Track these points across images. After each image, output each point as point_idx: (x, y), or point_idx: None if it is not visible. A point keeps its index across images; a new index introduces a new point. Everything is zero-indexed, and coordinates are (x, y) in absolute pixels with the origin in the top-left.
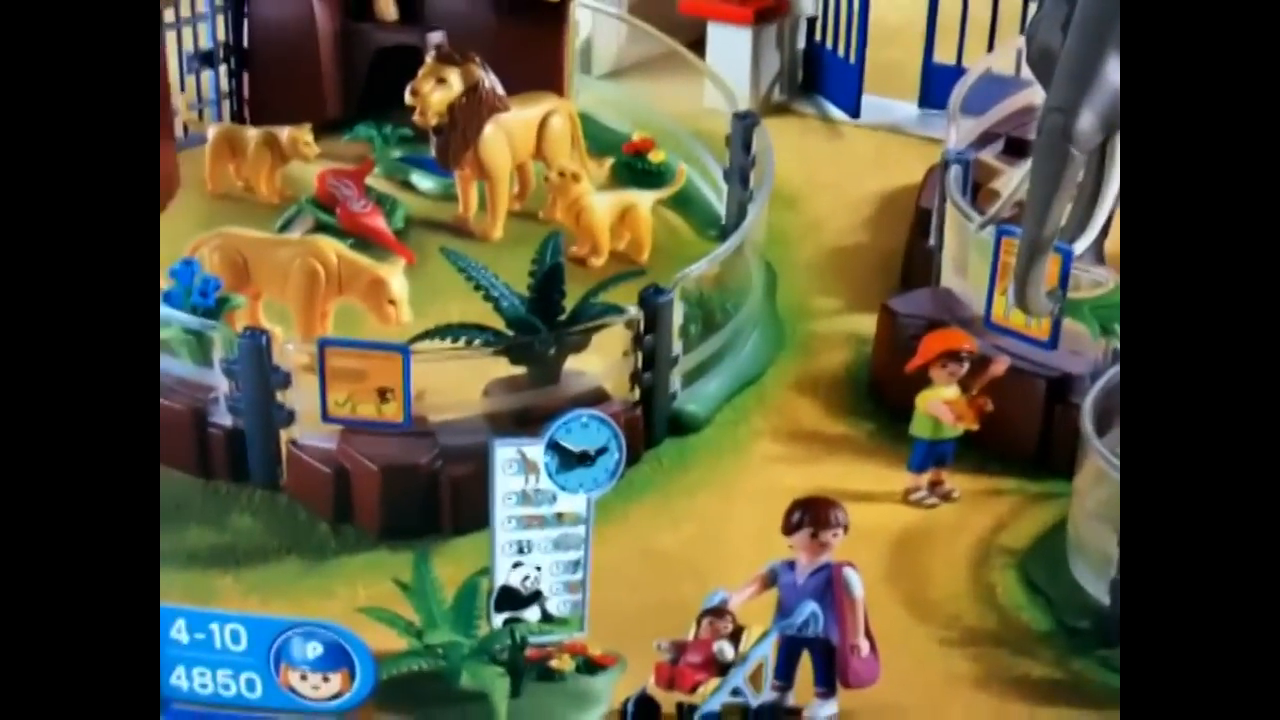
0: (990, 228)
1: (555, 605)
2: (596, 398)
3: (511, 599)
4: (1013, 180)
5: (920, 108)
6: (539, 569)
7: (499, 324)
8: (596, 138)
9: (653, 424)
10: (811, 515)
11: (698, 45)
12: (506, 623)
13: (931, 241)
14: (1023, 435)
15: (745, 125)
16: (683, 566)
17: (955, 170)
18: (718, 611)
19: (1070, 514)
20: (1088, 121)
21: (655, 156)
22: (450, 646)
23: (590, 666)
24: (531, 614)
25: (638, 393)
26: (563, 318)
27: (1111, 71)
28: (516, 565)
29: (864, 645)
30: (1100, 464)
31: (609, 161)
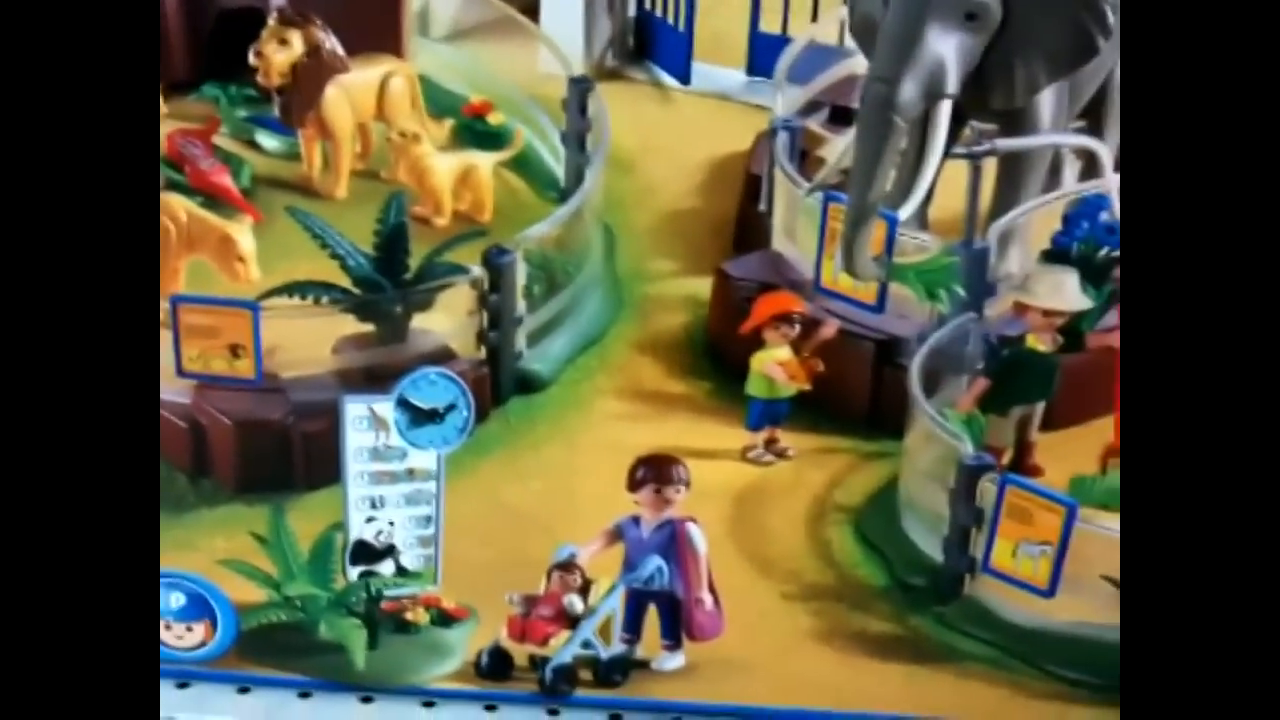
0: (817, 194)
1: (409, 559)
2: (444, 356)
3: (366, 553)
4: (838, 147)
5: (748, 75)
6: (392, 523)
7: (346, 282)
8: (436, 100)
9: (499, 382)
10: (654, 472)
11: (532, 11)
12: (362, 576)
13: (762, 206)
14: (854, 395)
15: (580, 90)
16: (532, 521)
17: (783, 137)
18: (567, 566)
19: (901, 473)
20: (909, 91)
21: (494, 119)
22: (308, 599)
23: (444, 619)
24: (386, 568)
25: (484, 351)
26: (408, 276)
27: (932, 42)
28: (370, 520)
29: (708, 599)
30: (929, 425)
31: (449, 123)
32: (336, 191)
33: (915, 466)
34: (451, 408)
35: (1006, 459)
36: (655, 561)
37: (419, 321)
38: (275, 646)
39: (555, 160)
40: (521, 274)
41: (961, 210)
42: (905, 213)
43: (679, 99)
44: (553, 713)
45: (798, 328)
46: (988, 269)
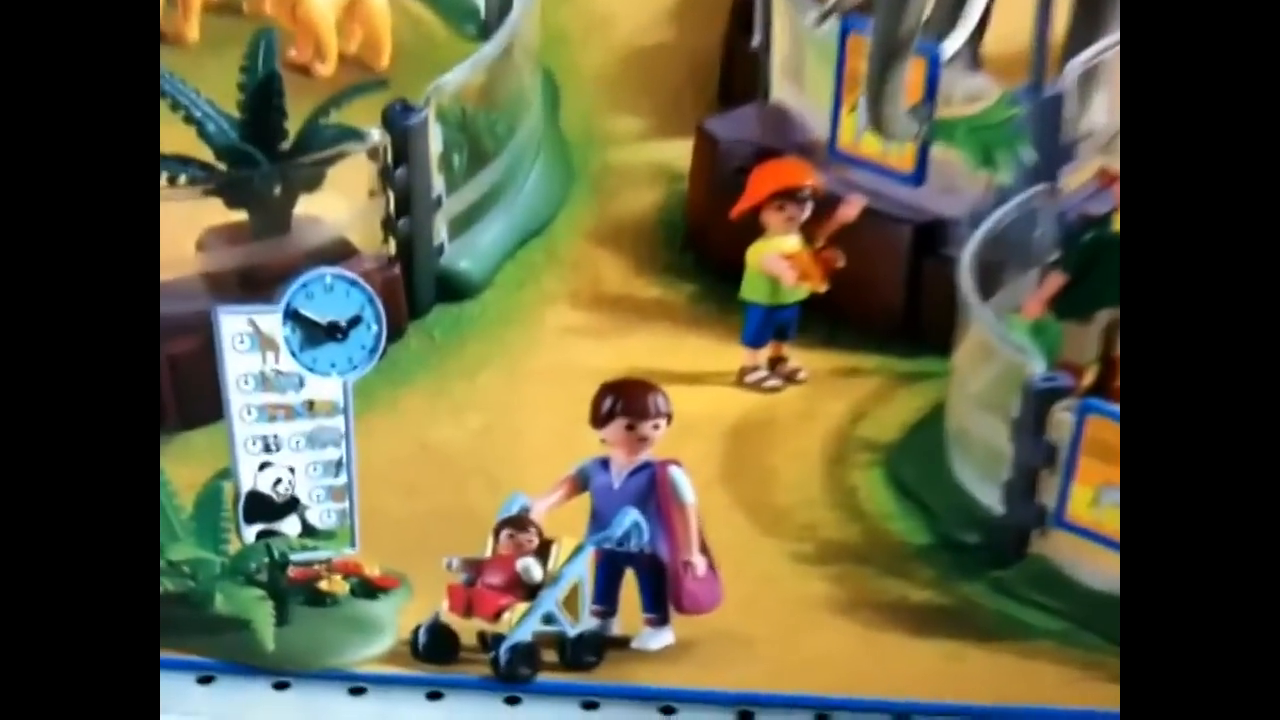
0: (832, 20)
1: (317, 515)
2: (340, 252)
3: (263, 507)
4: None
5: None
6: (292, 471)
7: (208, 155)
8: None
9: (416, 285)
10: (626, 403)
11: None
12: (261, 537)
13: (755, 41)
14: (885, 297)
15: None
16: (469, 466)
17: None
18: (518, 521)
19: (948, 400)
20: None
21: None
22: (197, 564)
23: (368, 589)
24: (289, 526)
25: (393, 245)
26: (286, 145)
27: None
28: (264, 466)
29: (700, 562)
30: (985, 335)
31: None
32: (188, 33)
33: (966, 391)
34: (356, 320)
35: (1088, 380)
36: (631, 515)
37: (305, 206)
38: (164, 623)
39: None
40: (436, 139)
41: (1028, 42)
42: (951, 46)
43: None
44: (512, 701)
45: (809, 207)
46: (1063, 123)
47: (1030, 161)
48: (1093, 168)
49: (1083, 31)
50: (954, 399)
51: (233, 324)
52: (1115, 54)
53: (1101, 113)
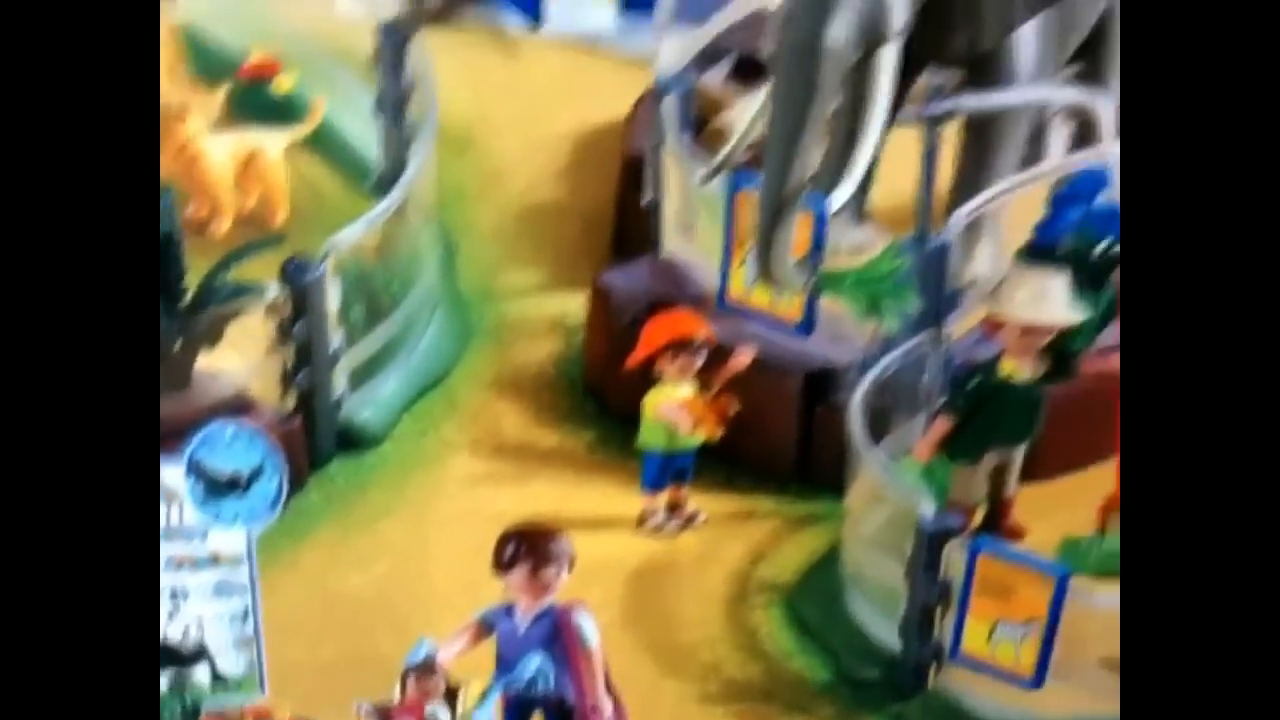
0: (720, 178)
1: (226, 663)
2: (241, 405)
3: (173, 656)
4: (746, 113)
5: (621, 13)
6: (200, 619)
7: None
8: (204, 59)
9: (316, 437)
10: (528, 548)
11: None
12: (172, 685)
13: (647, 197)
14: (778, 443)
15: (394, 41)
16: (375, 612)
17: (670, 100)
18: (425, 667)
19: (843, 540)
20: (841, 28)
21: (281, 83)
22: None
23: None
24: (200, 673)
25: (293, 398)
26: (185, 302)
27: None
28: (172, 615)
29: (606, 705)
30: (876, 478)
31: (223, 91)
32: None
33: (860, 532)
34: (258, 473)
35: (978, 519)
36: (536, 660)
37: (205, 361)
38: None
39: (367, 138)
40: (334, 294)
41: (912, 194)
42: (838, 200)
43: (529, 49)
44: None
45: (701, 357)
46: (948, 273)
47: (916, 310)
48: (978, 315)
49: (967, 184)
50: (849, 540)
51: None
52: (999, 205)
53: (985, 262)
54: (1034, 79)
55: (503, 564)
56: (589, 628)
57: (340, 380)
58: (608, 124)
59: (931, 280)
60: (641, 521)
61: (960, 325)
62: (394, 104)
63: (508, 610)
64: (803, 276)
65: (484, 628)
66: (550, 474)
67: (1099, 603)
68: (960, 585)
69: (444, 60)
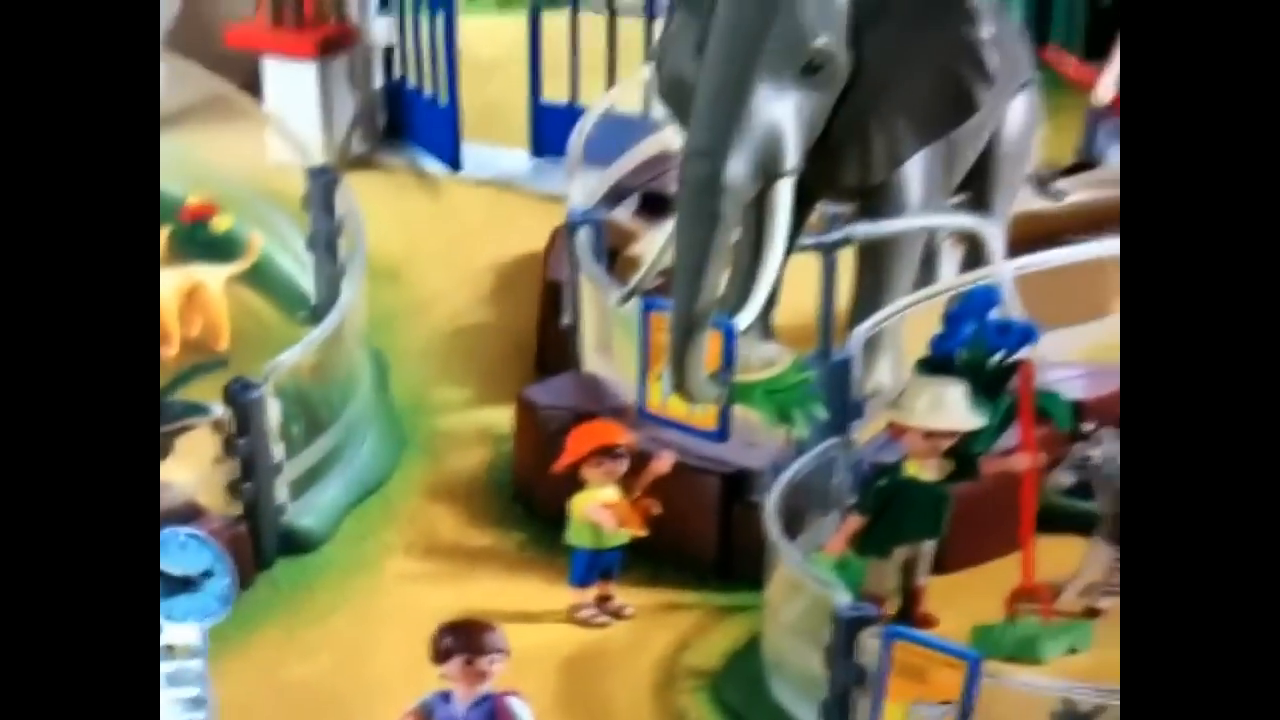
0: (634, 301)
1: None
2: (191, 513)
3: None
4: (655, 243)
5: (534, 156)
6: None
7: None
8: None
9: (262, 542)
10: (464, 640)
11: (254, 87)
12: None
13: (566, 320)
14: (699, 540)
15: (323, 183)
16: (324, 701)
17: (584, 233)
18: None
19: (764, 629)
20: (739, 168)
21: (220, 224)
22: None
23: None
24: None
25: (239, 506)
26: None
27: (763, 104)
28: None
29: None
30: (793, 572)
31: (165, 231)
32: None
33: (780, 621)
34: (208, 574)
35: (892, 608)
36: None
37: None
38: None
39: (301, 271)
40: (274, 412)
41: (814, 314)
42: (744, 320)
43: (449, 189)
44: None
45: (624, 463)
46: (851, 384)
47: (823, 418)
48: (881, 422)
49: (865, 303)
50: (769, 629)
51: None
52: (896, 321)
53: (886, 373)
54: (923, 207)
55: (440, 655)
56: (524, 713)
57: (282, 489)
58: (526, 255)
59: (836, 391)
60: (572, 614)
61: (866, 431)
62: (325, 241)
63: (445, 697)
64: (715, 389)
65: (424, 714)
66: (484, 572)
67: (1014, 685)
68: (877, 670)
69: (371, 200)
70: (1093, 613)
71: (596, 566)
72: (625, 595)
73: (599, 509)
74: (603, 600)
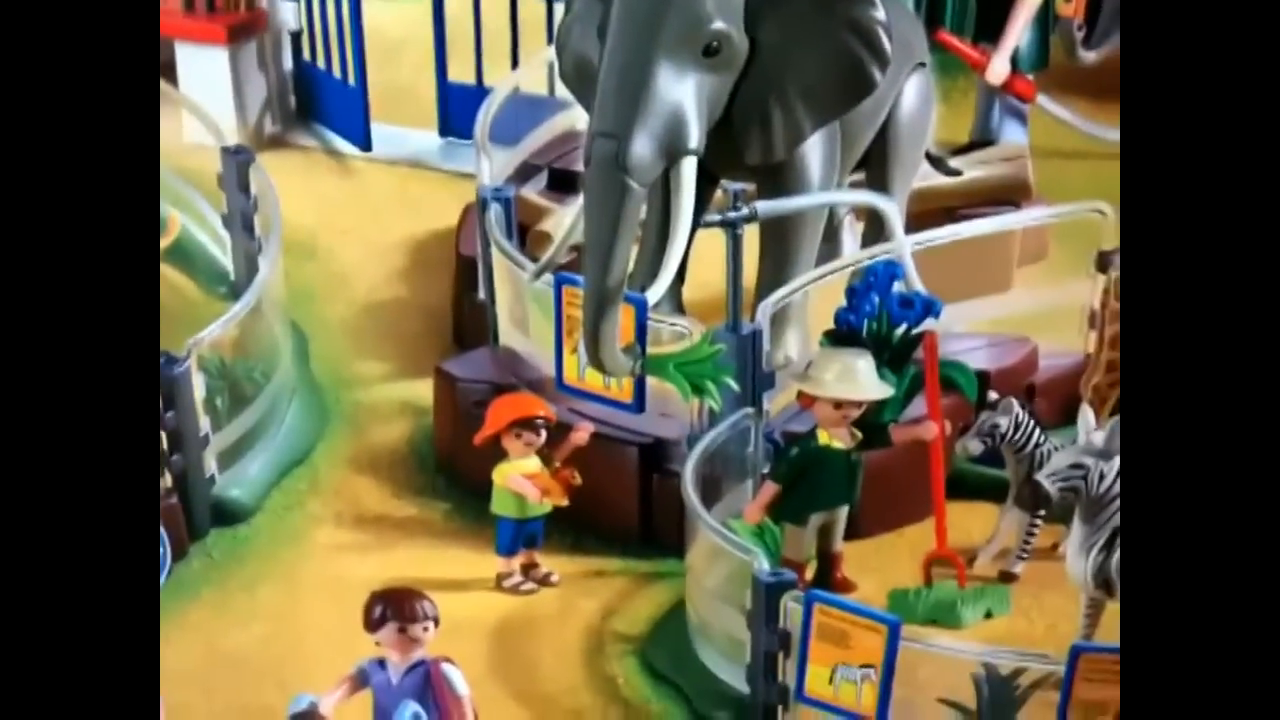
0: (547, 276)
1: None
2: None
3: None
4: (565, 220)
5: (442, 136)
6: None
7: None
8: None
9: (193, 513)
10: (395, 608)
11: (168, 70)
12: None
13: (481, 294)
14: (620, 509)
15: (238, 163)
16: (260, 668)
17: (495, 210)
18: (307, 717)
19: (688, 594)
20: (643, 147)
21: None
22: None
23: None
24: None
25: (169, 478)
26: None
27: (665, 86)
28: None
29: None
30: (713, 539)
31: None
32: None
33: (703, 587)
34: None
35: (810, 573)
36: (411, 708)
37: None
38: None
39: (220, 249)
40: (199, 386)
41: (723, 288)
42: (655, 294)
43: (361, 168)
44: None
45: (543, 434)
46: (761, 356)
47: (735, 389)
48: (792, 392)
49: (771, 278)
50: (693, 594)
51: None
52: (802, 295)
53: (794, 346)
54: (823, 185)
55: (372, 623)
56: (458, 678)
57: (210, 461)
58: (439, 230)
59: (746, 362)
60: (499, 582)
61: (777, 401)
62: (242, 219)
63: (381, 664)
64: (630, 362)
65: (360, 680)
66: (411, 542)
67: (932, 648)
68: (799, 633)
69: (285, 179)
70: (1008, 577)
71: (521, 535)
72: (550, 563)
73: (521, 479)
74: (529, 568)
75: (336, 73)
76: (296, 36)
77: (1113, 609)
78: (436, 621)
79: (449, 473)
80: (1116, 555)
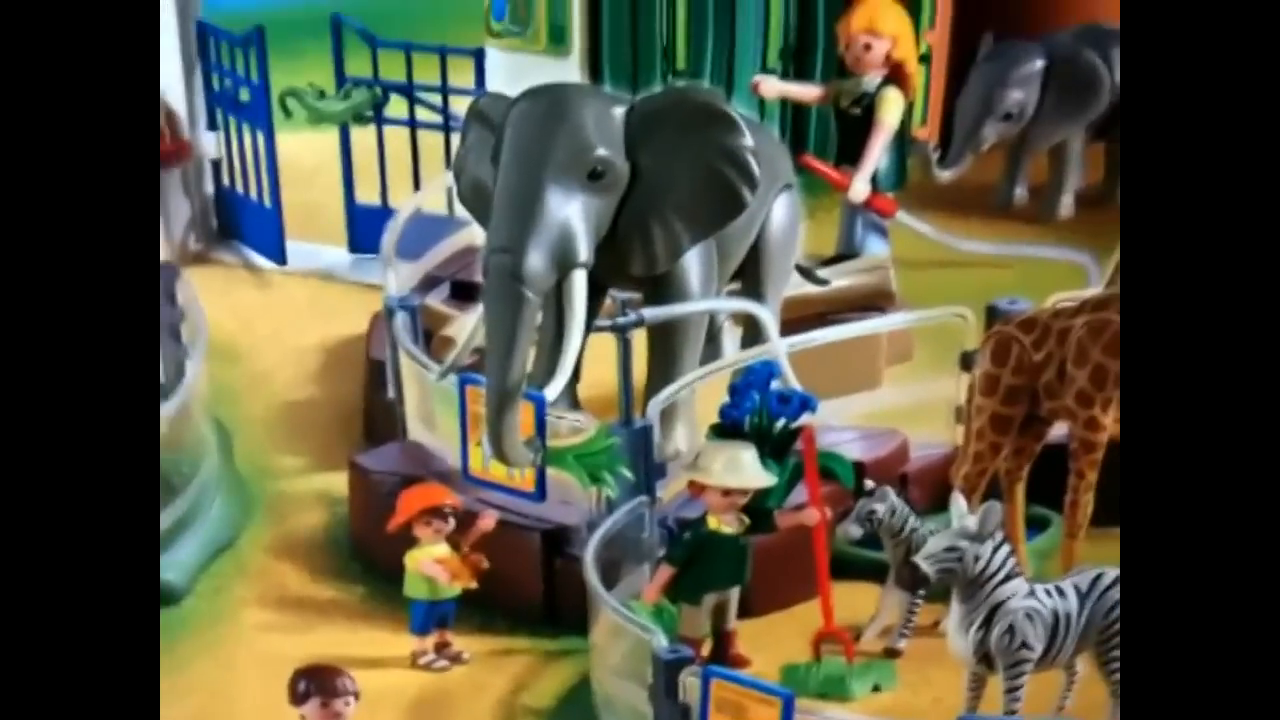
0: (451, 377)
1: None
2: None
3: None
4: (466, 326)
5: (351, 252)
6: None
7: None
8: None
9: None
10: (318, 684)
11: None
12: None
13: (390, 393)
14: (526, 591)
15: (166, 277)
16: None
17: (401, 317)
18: None
19: (592, 670)
20: (536, 261)
21: None
22: None
23: None
24: None
25: None
26: None
27: (554, 206)
28: None
29: None
30: (614, 618)
31: None
32: None
33: (606, 663)
34: None
35: (707, 650)
36: None
37: None
38: None
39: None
40: None
41: (615, 387)
42: (552, 392)
43: (278, 280)
44: None
45: (452, 521)
46: (652, 448)
47: (629, 479)
48: (683, 481)
49: (658, 377)
50: (597, 670)
51: None
52: (688, 393)
53: (682, 438)
54: (702, 293)
55: (297, 697)
56: None
57: None
58: (350, 336)
59: (639, 454)
60: (414, 660)
61: (669, 490)
62: (170, 328)
63: None
64: (530, 454)
65: None
66: (330, 622)
67: (821, 719)
68: (698, 707)
69: (208, 291)
70: (893, 653)
71: (433, 616)
72: (462, 642)
73: (432, 564)
74: (441, 647)
75: (254, 195)
76: (217, 164)
77: (994, 682)
78: (357, 696)
79: (364, 558)
80: (995, 631)
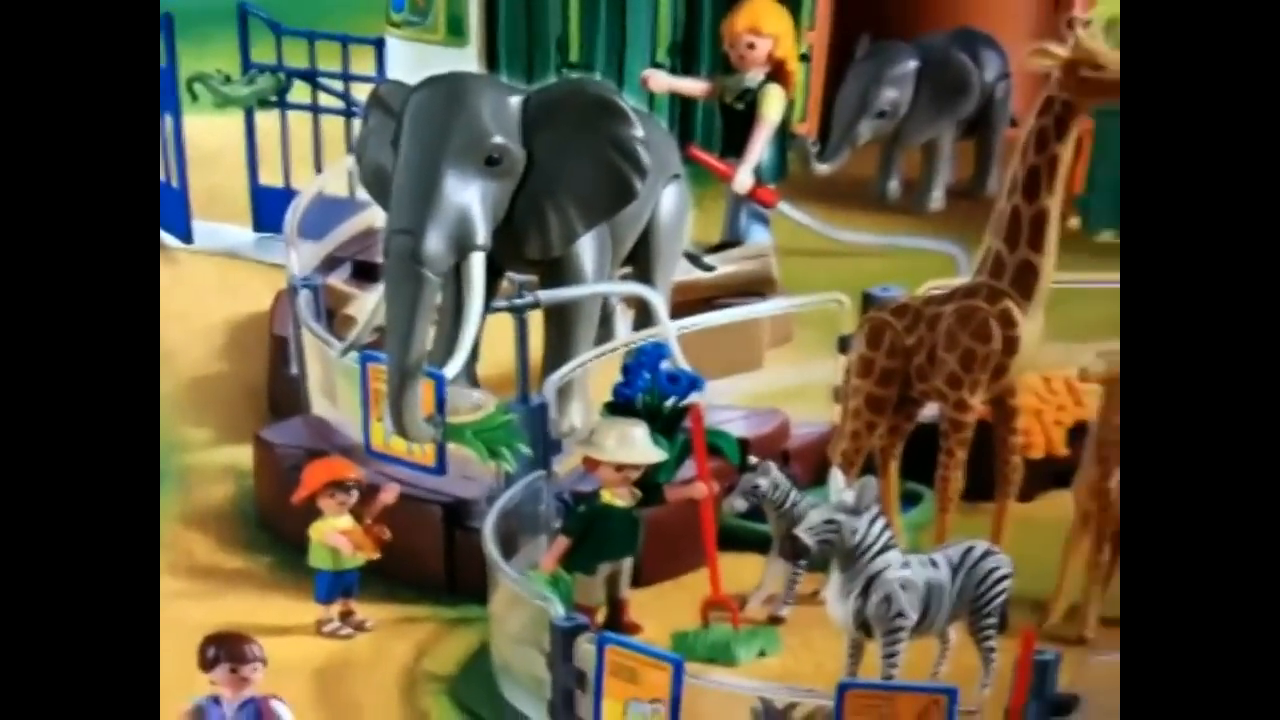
0: (352, 354)
1: None
2: None
3: None
4: (368, 305)
5: (256, 232)
6: None
7: None
8: None
9: None
10: (226, 651)
11: None
12: None
13: (294, 370)
14: (427, 561)
15: None
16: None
17: (304, 296)
18: None
19: (492, 638)
20: (435, 243)
21: None
22: None
23: None
24: None
25: None
26: None
27: (452, 190)
28: None
29: None
30: (513, 588)
31: None
32: None
33: (505, 631)
34: None
35: (601, 617)
36: None
37: None
38: None
39: None
40: None
41: (512, 365)
42: (451, 370)
43: (184, 259)
44: None
45: (354, 494)
46: (548, 425)
47: (527, 454)
48: (578, 457)
49: (554, 356)
50: (496, 638)
51: None
52: (582, 372)
53: (577, 415)
54: (596, 276)
55: (206, 663)
56: (285, 714)
57: None
58: (254, 313)
59: (536, 431)
60: (319, 628)
61: (565, 465)
62: None
63: (216, 700)
64: (431, 430)
65: (197, 716)
66: (238, 591)
67: (713, 684)
68: (594, 672)
69: None
70: (776, 620)
71: (338, 585)
72: (365, 610)
73: (336, 535)
74: (345, 615)
75: (162, 176)
76: None
77: (872, 648)
78: (264, 663)
79: (270, 529)
80: (873, 600)
